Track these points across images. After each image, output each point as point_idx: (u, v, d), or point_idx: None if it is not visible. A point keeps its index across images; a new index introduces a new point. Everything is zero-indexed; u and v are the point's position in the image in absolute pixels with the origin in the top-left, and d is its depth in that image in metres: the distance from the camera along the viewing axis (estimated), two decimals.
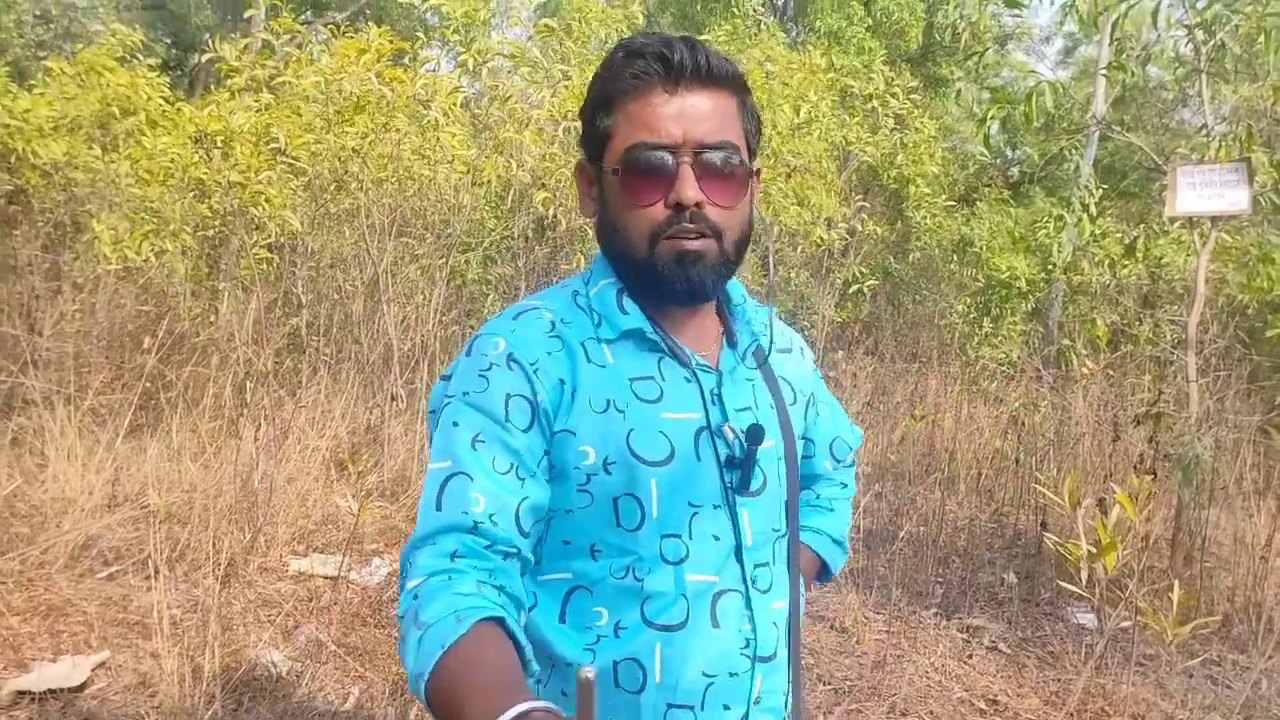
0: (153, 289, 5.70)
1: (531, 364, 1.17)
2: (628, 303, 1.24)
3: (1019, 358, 6.86)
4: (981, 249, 7.94)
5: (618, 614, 1.19)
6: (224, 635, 3.29)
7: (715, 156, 1.18)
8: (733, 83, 1.22)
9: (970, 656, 4.23)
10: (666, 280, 1.20)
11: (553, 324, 1.22)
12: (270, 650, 3.32)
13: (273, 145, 5.61)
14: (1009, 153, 13.25)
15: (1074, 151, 6.39)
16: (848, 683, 3.84)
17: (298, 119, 5.73)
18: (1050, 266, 6.69)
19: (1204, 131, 5.52)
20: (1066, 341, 5.93)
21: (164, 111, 6.38)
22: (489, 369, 1.17)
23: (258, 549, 4.00)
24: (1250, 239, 5.97)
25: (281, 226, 5.59)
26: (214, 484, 4.08)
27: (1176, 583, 3.46)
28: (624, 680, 1.18)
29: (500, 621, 1.02)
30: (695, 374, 1.25)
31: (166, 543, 3.80)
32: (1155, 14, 5.13)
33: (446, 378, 1.24)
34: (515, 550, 1.12)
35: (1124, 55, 5.46)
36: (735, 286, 1.34)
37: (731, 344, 1.30)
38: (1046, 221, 6.94)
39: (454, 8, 5.82)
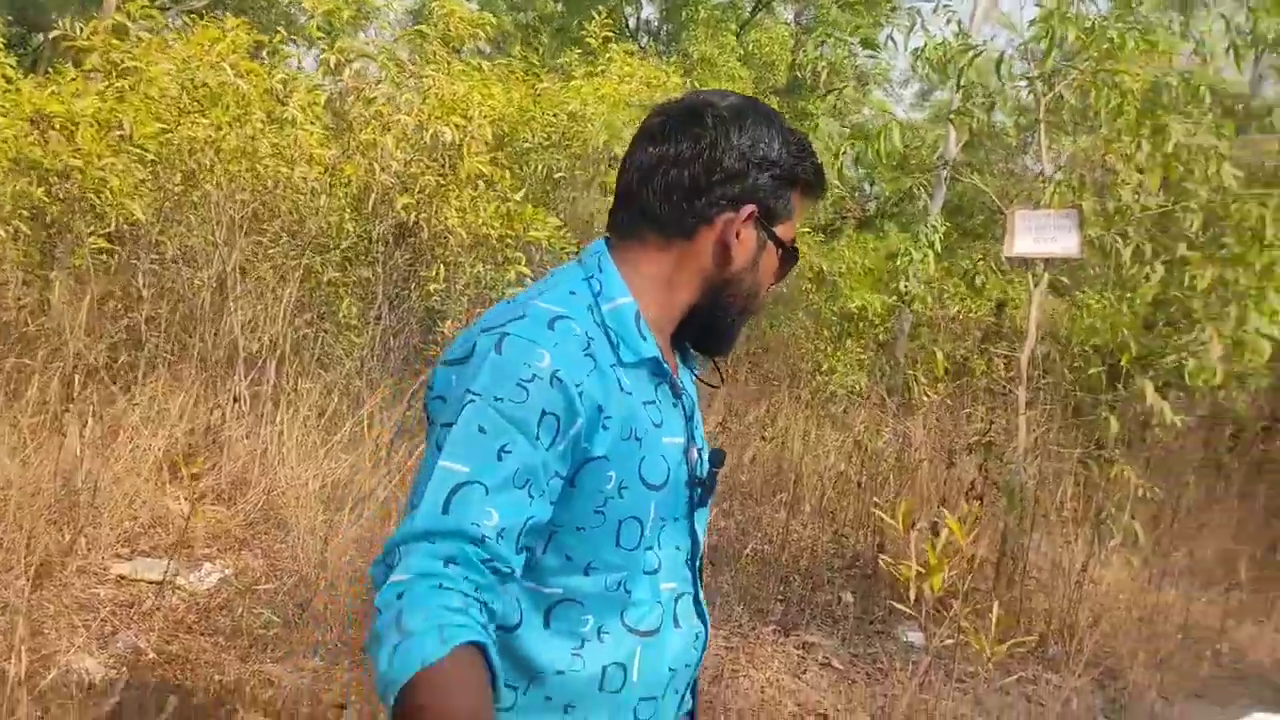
0: None
1: (576, 385, 1.17)
2: (645, 328, 1.27)
3: (866, 385, 7.13)
4: (839, 282, 8.23)
5: (600, 620, 1.25)
6: (33, 640, 3.10)
7: None
8: None
9: (804, 672, 4.34)
10: (735, 338, 1.39)
11: (587, 342, 1.22)
12: (84, 657, 3.15)
13: (119, 133, 5.36)
14: (867, 188, 13.80)
15: (922, 190, 6.69)
16: None
17: (149, 106, 5.50)
18: (900, 298, 6.97)
19: (1041, 178, 5.86)
20: (910, 371, 6.19)
21: (4, 91, 6.02)
22: (530, 380, 1.15)
23: (78, 551, 3.79)
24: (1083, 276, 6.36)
25: (124, 216, 5.34)
26: (32, 481, 3.85)
27: (996, 603, 3.64)
28: (609, 683, 1.26)
29: (483, 650, 1.03)
30: (680, 400, 1.33)
31: None
32: (999, 64, 5.44)
33: (450, 362, 1.22)
34: (510, 570, 1.13)
35: (970, 101, 5.75)
36: None
37: (689, 369, 1.42)
38: (901, 256, 7.24)
39: (316, 4, 5.70)
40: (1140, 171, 5.41)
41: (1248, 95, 11.80)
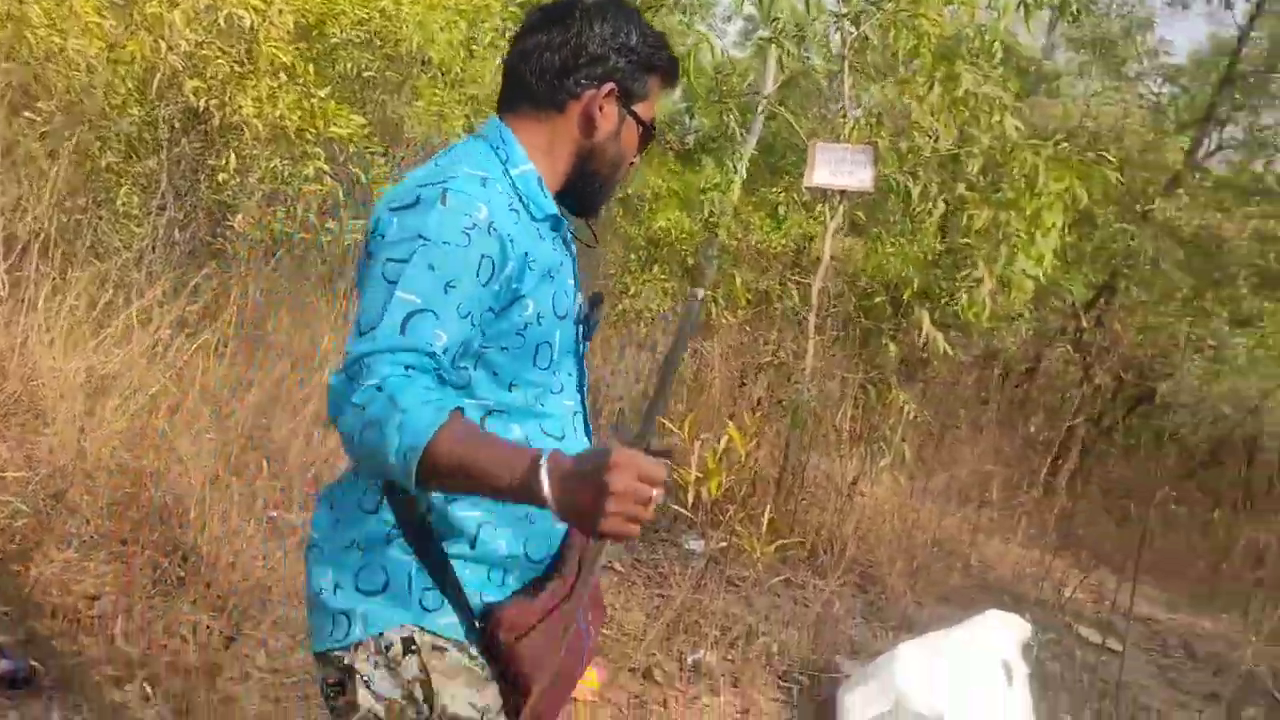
0: None
1: (508, 236, 1.42)
2: (545, 190, 1.54)
3: (670, 309, 7.28)
4: (644, 207, 8.31)
5: (524, 430, 1.51)
6: None
7: None
8: None
9: None
10: (603, 202, 1.67)
11: (511, 199, 1.48)
12: None
13: None
14: (687, 121, 13.95)
15: (730, 117, 6.83)
16: None
17: None
18: (709, 223, 7.10)
19: (842, 114, 6.08)
20: (710, 294, 6.35)
21: None
22: (472, 228, 1.38)
23: None
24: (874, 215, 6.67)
25: None
26: None
27: (769, 506, 3.83)
28: None
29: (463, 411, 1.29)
30: (570, 251, 1.60)
31: None
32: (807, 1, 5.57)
33: (396, 209, 1.42)
34: (449, 381, 1.37)
35: (781, 34, 5.89)
36: None
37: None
38: (708, 184, 7.38)
39: None
40: (933, 114, 5.69)
41: (1040, 59, 12.55)
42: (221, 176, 5.44)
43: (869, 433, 5.80)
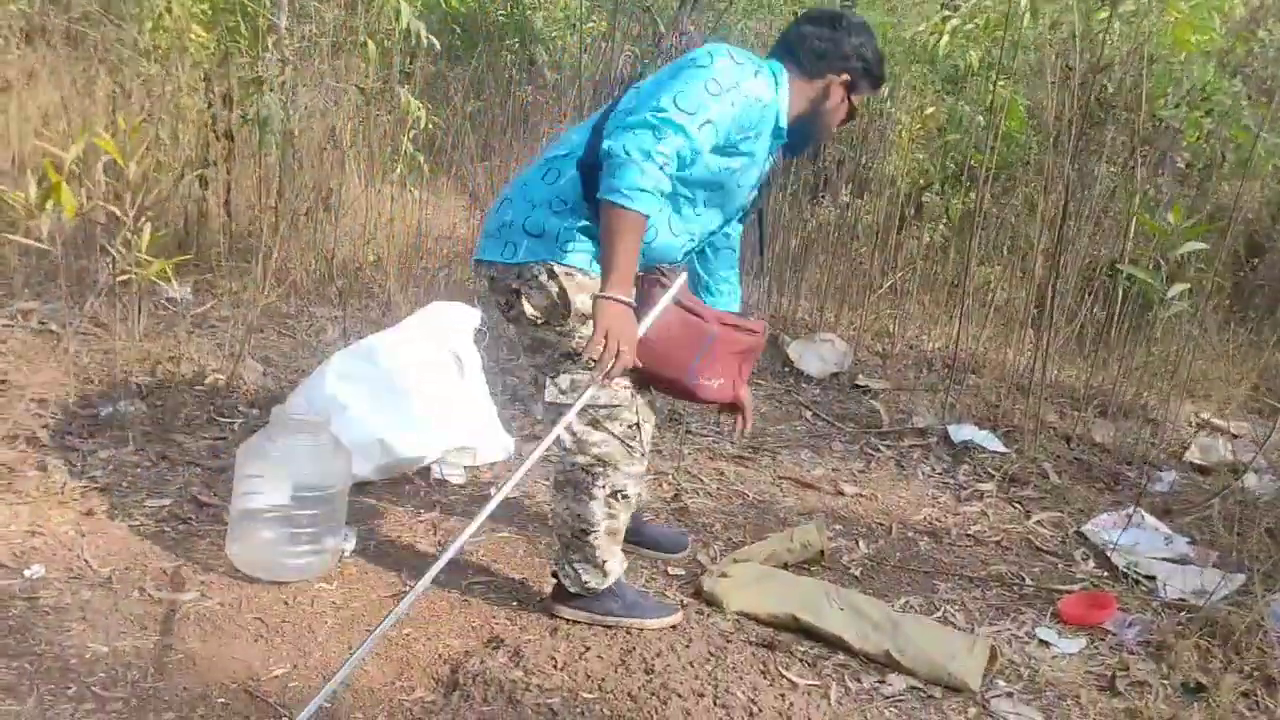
0: None
1: (753, 119, 2.36)
2: (782, 119, 2.41)
3: None
4: None
5: (669, 211, 2.40)
6: None
7: None
8: None
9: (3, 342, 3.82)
10: (804, 150, 2.81)
11: (765, 109, 2.40)
12: None
13: None
14: None
15: None
16: None
17: None
18: None
19: None
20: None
21: None
22: (756, 101, 2.31)
23: None
24: None
25: None
26: None
27: (147, 225, 3.27)
28: None
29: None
30: (772, 159, 2.58)
31: None
32: None
33: (734, 62, 2.28)
34: (687, 163, 2.28)
35: None
36: None
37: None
38: None
39: None
40: None
41: None
42: None
43: (386, 148, 5.29)
